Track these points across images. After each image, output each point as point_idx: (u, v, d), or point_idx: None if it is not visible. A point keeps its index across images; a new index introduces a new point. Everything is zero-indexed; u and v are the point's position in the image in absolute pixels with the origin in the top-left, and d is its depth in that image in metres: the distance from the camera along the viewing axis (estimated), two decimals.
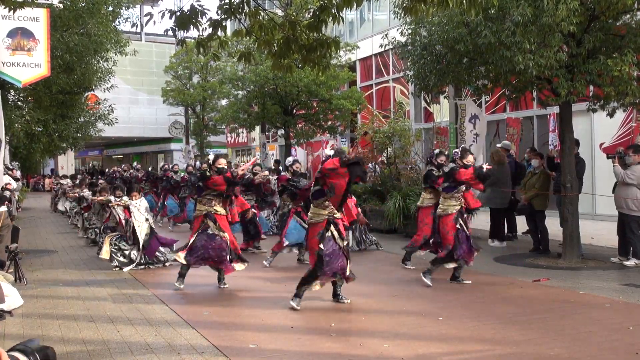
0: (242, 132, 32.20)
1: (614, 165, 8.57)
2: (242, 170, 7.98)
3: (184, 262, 7.39)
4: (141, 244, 8.97)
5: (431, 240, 8.31)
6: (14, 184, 10.98)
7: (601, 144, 13.67)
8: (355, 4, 4.87)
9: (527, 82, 8.51)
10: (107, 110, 19.42)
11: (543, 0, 7.05)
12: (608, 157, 9.14)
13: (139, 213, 9.17)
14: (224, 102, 25.67)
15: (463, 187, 7.43)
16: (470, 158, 7.48)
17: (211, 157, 7.85)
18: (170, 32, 5.60)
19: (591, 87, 8.88)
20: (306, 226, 6.92)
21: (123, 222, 9.31)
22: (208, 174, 7.39)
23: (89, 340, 5.26)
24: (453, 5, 4.47)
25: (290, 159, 9.50)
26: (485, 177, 7.20)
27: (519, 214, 10.70)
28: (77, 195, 12.48)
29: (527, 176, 10.18)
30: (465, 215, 7.48)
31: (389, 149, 13.56)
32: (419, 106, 20.43)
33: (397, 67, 20.07)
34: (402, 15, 8.34)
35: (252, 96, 19.08)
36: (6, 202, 9.16)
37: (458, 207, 7.36)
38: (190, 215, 11.81)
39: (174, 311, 6.22)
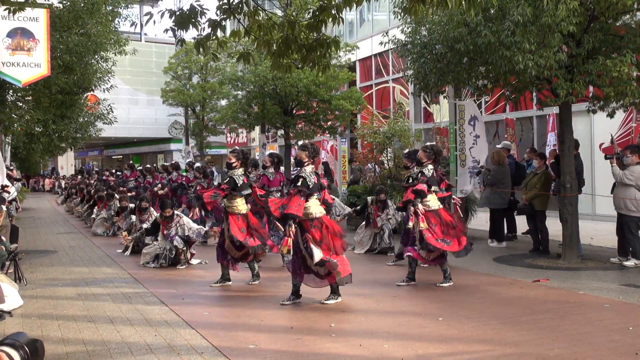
0: (242, 133, 32.19)
1: (612, 166, 8.58)
2: None
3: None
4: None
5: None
6: (12, 189, 10.96)
7: (601, 145, 13.67)
8: (355, 4, 4.87)
9: (526, 83, 8.51)
10: (107, 109, 19.41)
11: (543, 1, 7.05)
12: (606, 158, 9.16)
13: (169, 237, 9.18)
14: (223, 102, 25.67)
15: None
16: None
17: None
18: (170, 32, 5.61)
19: (591, 88, 8.88)
20: None
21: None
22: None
23: (89, 341, 5.25)
24: (452, 5, 4.46)
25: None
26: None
27: (519, 214, 10.71)
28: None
29: (528, 176, 10.19)
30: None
31: (388, 149, 13.56)
32: (418, 106, 20.43)
33: (397, 67, 20.08)
34: (402, 15, 8.35)
35: (251, 96, 19.06)
36: (6, 203, 9.15)
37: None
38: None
39: (173, 311, 6.21)
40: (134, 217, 11.60)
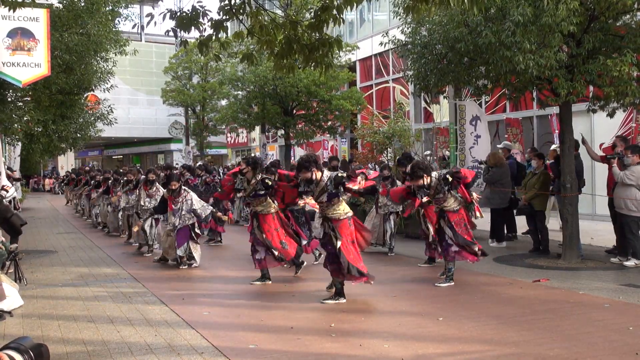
0: (242, 133, 32.23)
1: (612, 166, 8.58)
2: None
3: None
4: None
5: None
6: (12, 190, 10.94)
7: (601, 145, 13.66)
8: (355, 3, 4.87)
9: (527, 82, 8.51)
10: (107, 110, 19.37)
11: (543, 0, 7.06)
12: (606, 158, 9.15)
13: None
14: (223, 102, 25.68)
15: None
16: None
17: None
18: (171, 33, 5.60)
19: (591, 88, 8.88)
20: None
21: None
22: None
23: (89, 341, 5.26)
24: (454, 3, 4.45)
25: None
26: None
27: (519, 214, 10.71)
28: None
29: (527, 176, 10.20)
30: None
31: (388, 149, 13.58)
32: (418, 106, 20.43)
33: (397, 67, 20.08)
34: (403, 15, 8.34)
35: (252, 96, 19.09)
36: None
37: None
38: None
39: (173, 311, 6.22)
40: (134, 195, 11.17)
